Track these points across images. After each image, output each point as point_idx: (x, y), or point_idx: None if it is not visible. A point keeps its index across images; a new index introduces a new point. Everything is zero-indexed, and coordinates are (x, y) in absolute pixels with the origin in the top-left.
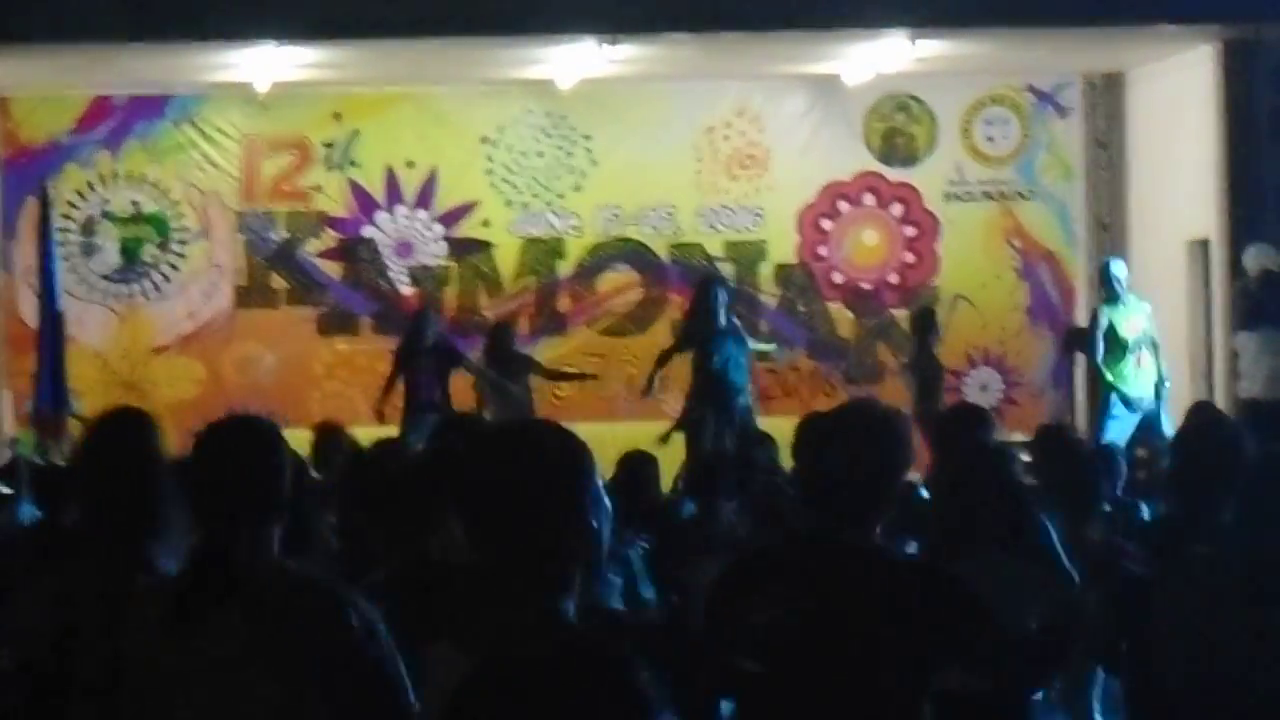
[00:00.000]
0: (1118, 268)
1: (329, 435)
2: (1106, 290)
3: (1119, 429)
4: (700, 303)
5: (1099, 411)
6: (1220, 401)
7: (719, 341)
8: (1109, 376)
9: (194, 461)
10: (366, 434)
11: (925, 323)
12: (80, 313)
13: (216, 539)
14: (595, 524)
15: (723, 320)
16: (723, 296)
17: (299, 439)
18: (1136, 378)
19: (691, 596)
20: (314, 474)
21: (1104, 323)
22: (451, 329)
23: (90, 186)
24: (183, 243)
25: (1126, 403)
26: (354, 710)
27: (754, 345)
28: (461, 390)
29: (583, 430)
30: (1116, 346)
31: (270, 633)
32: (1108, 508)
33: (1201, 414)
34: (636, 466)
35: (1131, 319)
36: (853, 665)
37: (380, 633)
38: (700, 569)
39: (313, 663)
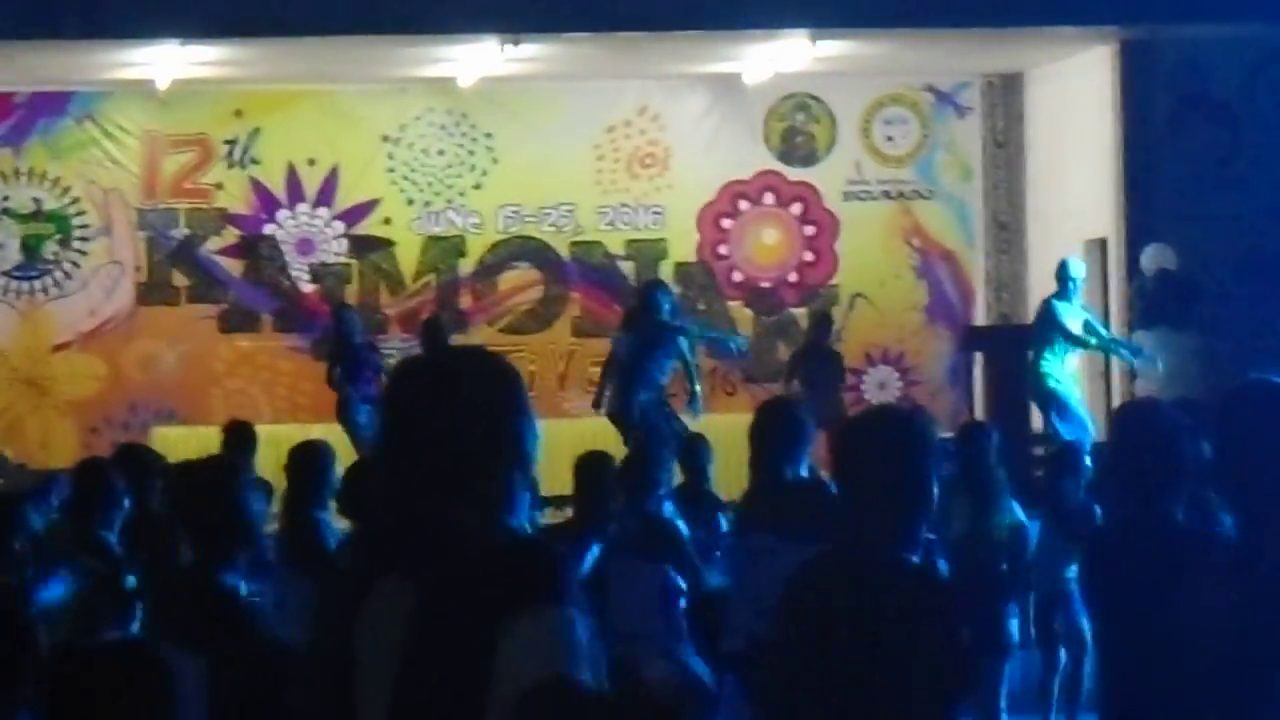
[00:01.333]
0: (1077, 267)
1: (241, 433)
2: (1063, 286)
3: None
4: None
5: (1053, 406)
6: (1116, 400)
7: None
8: (1045, 369)
9: None
10: (269, 432)
11: (820, 322)
12: None
13: None
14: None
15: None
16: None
17: (201, 436)
18: (1070, 377)
19: None
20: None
21: (1056, 318)
22: None
23: None
24: (84, 240)
25: (1066, 398)
26: None
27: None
28: None
29: None
30: (1059, 343)
31: None
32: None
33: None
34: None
35: (1073, 319)
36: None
37: None
38: None
39: None
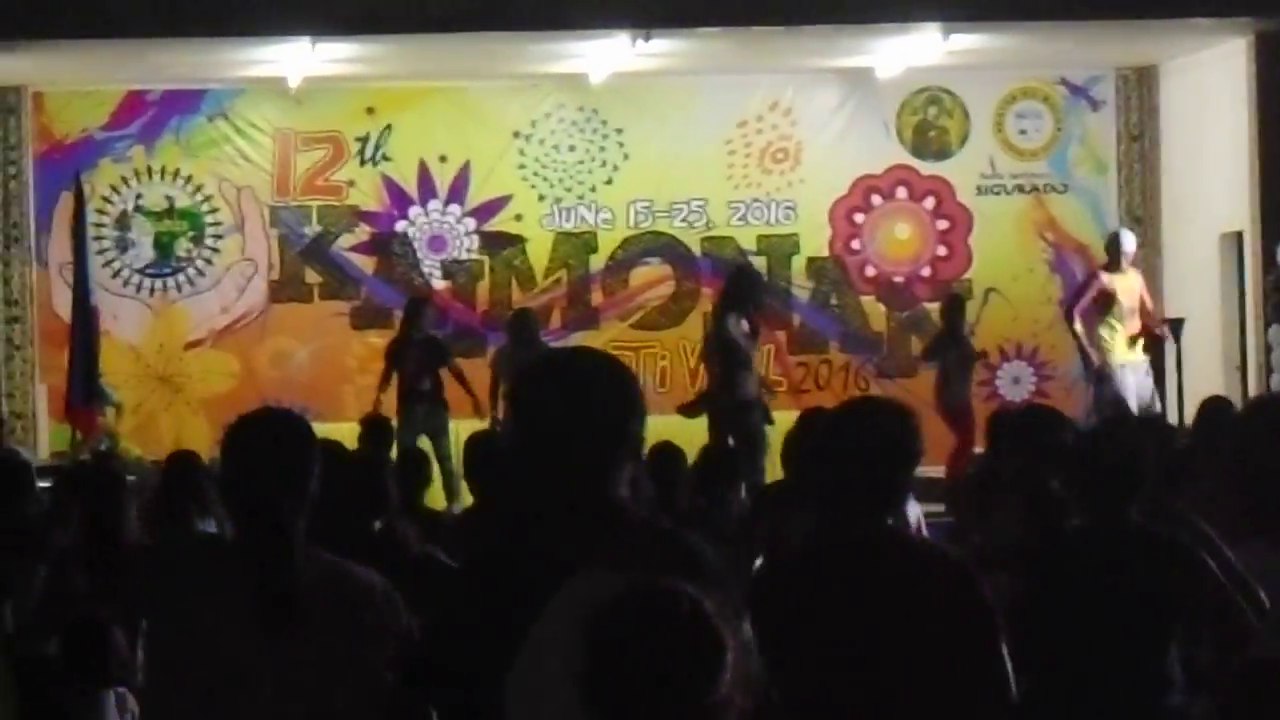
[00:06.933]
0: (1128, 238)
1: (378, 427)
2: (1113, 259)
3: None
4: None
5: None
6: (1254, 395)
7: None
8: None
9: (230, 456)
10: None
11: (953, 310)
12: (115, 307)
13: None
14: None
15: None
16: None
17: (333, 433)
18: (1126, 346)
19: None
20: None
21: (1101, 286)
22: (484, 323)
23: (124, 181)
24: (217, 237)
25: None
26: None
27: None
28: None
29: None
30: (1113, 313)
31: (320, 620)
32: None
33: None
34: (665, 458)
35: (1131, 288)
36: (903, 661)
37: (406, 615)
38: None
39: (358, 647)
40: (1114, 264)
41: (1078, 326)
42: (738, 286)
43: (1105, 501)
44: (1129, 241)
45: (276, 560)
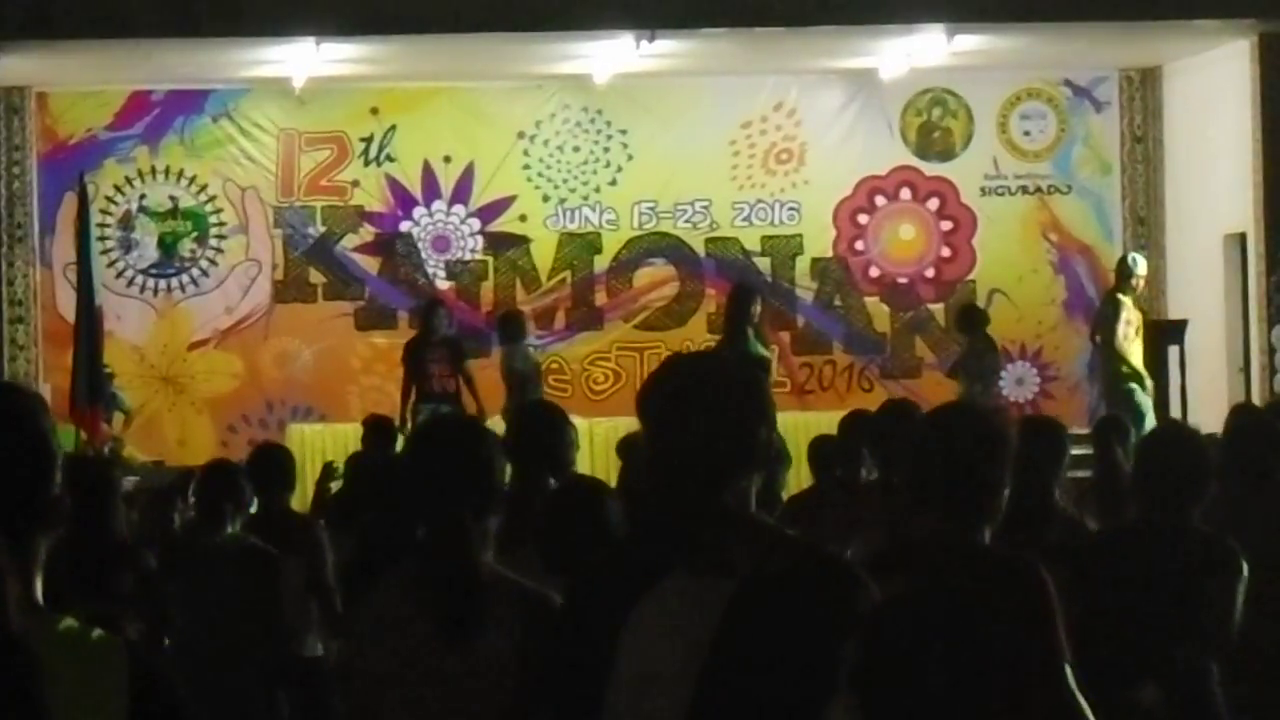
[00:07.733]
0: (1141, 264)
1: (380, 427)
2: (1127, 282)
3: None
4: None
5: (1129, 400)
6: (1256, 396)
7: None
8: (1134, 365)
9: (414, 458)
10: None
11: (972, 319)
12: (118, 307)
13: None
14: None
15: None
16: (756, 309)
17: (337, 433)
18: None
19: None
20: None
21: (1124, 313)
22: (489, 323)
23: (128, 181)
24: (220, 237)
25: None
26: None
27: None
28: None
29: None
30: (1134, 337)
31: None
32: None
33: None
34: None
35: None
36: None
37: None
38: None
39: (523, 662)
40: (1125, 287)
41: (1132, 358)
42: (749, 301)
43: (1167, 502)
44: (1142, 267)
45: (458, 572)
